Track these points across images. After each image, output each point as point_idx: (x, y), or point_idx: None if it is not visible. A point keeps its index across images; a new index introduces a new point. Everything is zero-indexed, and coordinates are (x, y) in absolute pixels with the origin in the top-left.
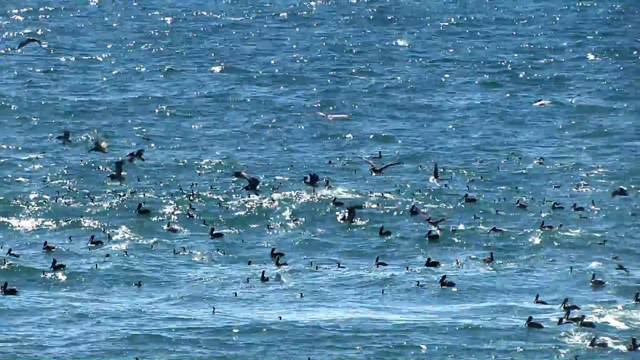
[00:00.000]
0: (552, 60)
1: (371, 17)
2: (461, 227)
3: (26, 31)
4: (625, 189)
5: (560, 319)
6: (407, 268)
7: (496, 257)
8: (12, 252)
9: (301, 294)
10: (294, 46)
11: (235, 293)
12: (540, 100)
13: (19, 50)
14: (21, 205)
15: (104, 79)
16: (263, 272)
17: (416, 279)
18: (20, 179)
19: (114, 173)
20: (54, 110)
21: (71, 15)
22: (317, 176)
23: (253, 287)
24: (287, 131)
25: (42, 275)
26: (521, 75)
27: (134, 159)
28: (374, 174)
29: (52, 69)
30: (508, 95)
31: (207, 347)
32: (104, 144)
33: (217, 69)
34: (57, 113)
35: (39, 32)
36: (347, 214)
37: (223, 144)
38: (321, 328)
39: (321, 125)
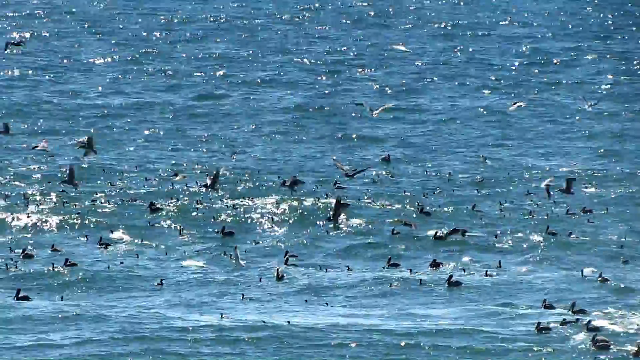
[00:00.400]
0: (556, 62)
1: (372, 20)
2: (468, 230)
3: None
4: (569, 188)
5: (564, 320)
6: (410, 271)
7: (504, 260)
8: (26, 253)
9: (306, 300)
10: (295, 48)
11: (243, 295)
12: (515, 103)
13: (7, 51)
14: (28, 207)
15: (106, 81)
16: (277, 269)
17: (422, 280)
18: (27, 182)
19: (66, 178)
20: (50, 113)
21: (68, 18)
22: (298, 180)
23: (262, 288)
24: (289, 133)
25: (51, 276)
26: (524, 78)
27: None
28: (346, 179)
29: (49, 72)
30: (512, 96)
31: (215, 349)
32: (44, 143)
33: (219, 72)
34: (51, 116)
35: (31, 35)
36: (334, 212)
37: (227, 146)
38: (328, 331)
39: (322, 127)
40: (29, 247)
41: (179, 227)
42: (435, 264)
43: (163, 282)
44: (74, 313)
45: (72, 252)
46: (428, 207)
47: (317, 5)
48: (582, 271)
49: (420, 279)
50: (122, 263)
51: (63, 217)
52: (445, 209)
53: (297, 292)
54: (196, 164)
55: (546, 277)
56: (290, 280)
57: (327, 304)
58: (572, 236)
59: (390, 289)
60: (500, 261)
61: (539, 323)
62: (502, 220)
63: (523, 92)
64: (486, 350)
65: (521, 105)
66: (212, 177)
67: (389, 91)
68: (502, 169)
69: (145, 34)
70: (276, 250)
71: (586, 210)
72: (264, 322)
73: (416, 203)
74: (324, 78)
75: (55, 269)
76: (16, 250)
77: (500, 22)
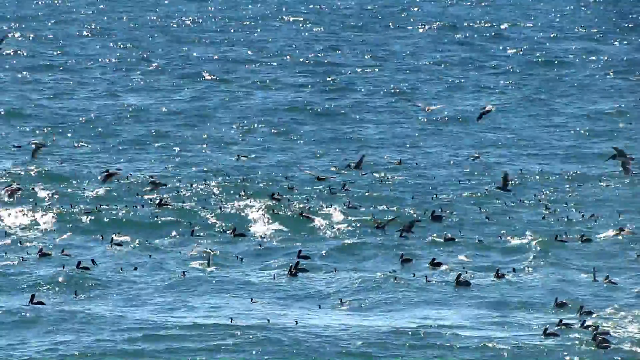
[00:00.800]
0: (561, 62)
1: (371, 20)
2: (477, 234)
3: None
4: (508, 183)
5: (560, 320)
6: (414, 274)
7: (511, 261)
8: (43, 252)
9: (319, 305)
10: (296, 49)
11: (252, 298)
12: (486, 108)
13: None
14: (37, 208)
15: (107, 82)
16: (290, 266)
17: (430, 280)
18: (33, 182)
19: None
20: (39, 117)
21: (68, 18)
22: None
23: (270, 289)
24: (291, 134)
25: (63, 277)
26: (526, 80)
27: (35, 153)
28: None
29: (48, 73)
30: (519, 97)
31: (224, 350)
32: None
33: (219, 75)
34: (40, 118)
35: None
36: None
37: (231, 148)
38: (338, 331)
39: (322, 129)
40: (45, 246)
41: (190, 228)
42: (435, 264)
43: (185, 273)
44: (86, 313)
45: (83, 254)
46: (438, 212)
47: (317, 5)
48: (594, 274)
49: (426, 277)
50: (135, 269)
51: (71, 218)
52: (455, 212)
53: (306, 293)
54: (198, 164)
55: (553, 278)
56: (299, 281)
57: (341, 300)
58: (582, 238)
59: (398, 289)
60: (514, 268)
61: (546, 329)
62: (509, 222)
63: (524, 93)
64: (493, 350)
65: (491, 110)
66: (156, 183)
67: (389, 92)
68: (505, 170)
69: (144, 34)
70: (280, 251)
71: (594, 215)
72: (271, 323)
73: (424, 211)
74: (324, 79)
75: (67, 271)
76: (30, 250)
77: (501, 23)
